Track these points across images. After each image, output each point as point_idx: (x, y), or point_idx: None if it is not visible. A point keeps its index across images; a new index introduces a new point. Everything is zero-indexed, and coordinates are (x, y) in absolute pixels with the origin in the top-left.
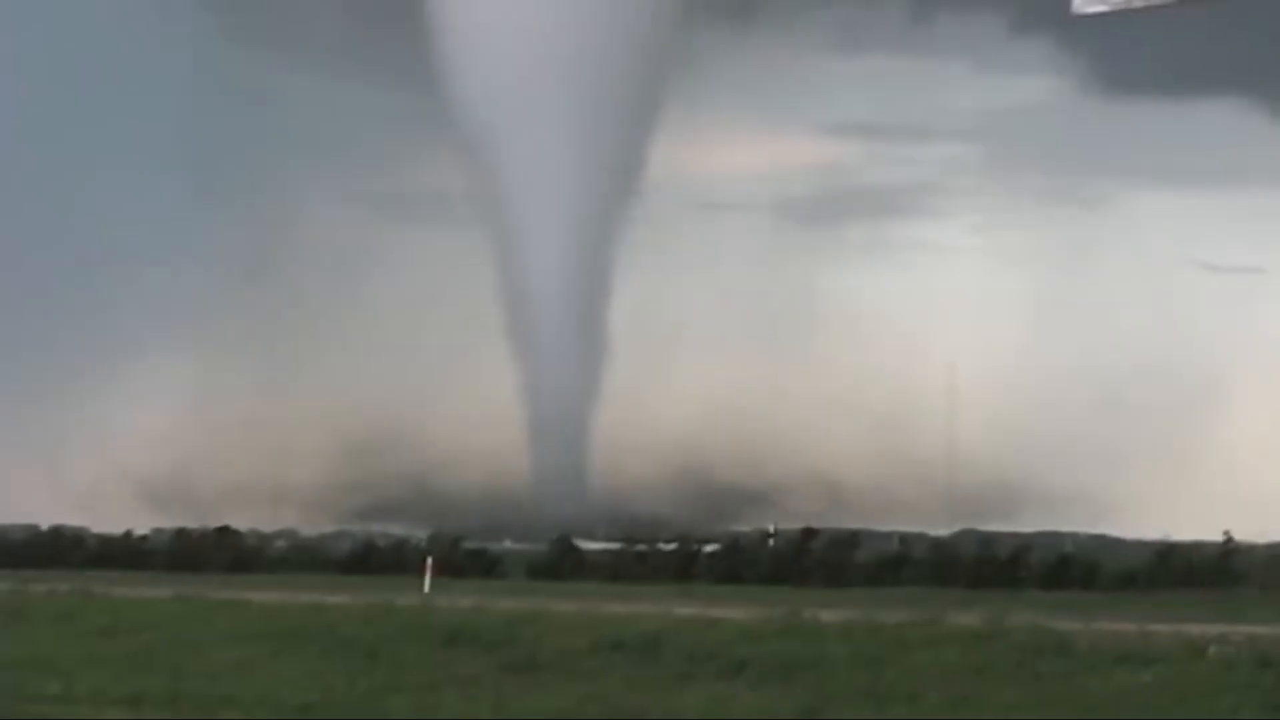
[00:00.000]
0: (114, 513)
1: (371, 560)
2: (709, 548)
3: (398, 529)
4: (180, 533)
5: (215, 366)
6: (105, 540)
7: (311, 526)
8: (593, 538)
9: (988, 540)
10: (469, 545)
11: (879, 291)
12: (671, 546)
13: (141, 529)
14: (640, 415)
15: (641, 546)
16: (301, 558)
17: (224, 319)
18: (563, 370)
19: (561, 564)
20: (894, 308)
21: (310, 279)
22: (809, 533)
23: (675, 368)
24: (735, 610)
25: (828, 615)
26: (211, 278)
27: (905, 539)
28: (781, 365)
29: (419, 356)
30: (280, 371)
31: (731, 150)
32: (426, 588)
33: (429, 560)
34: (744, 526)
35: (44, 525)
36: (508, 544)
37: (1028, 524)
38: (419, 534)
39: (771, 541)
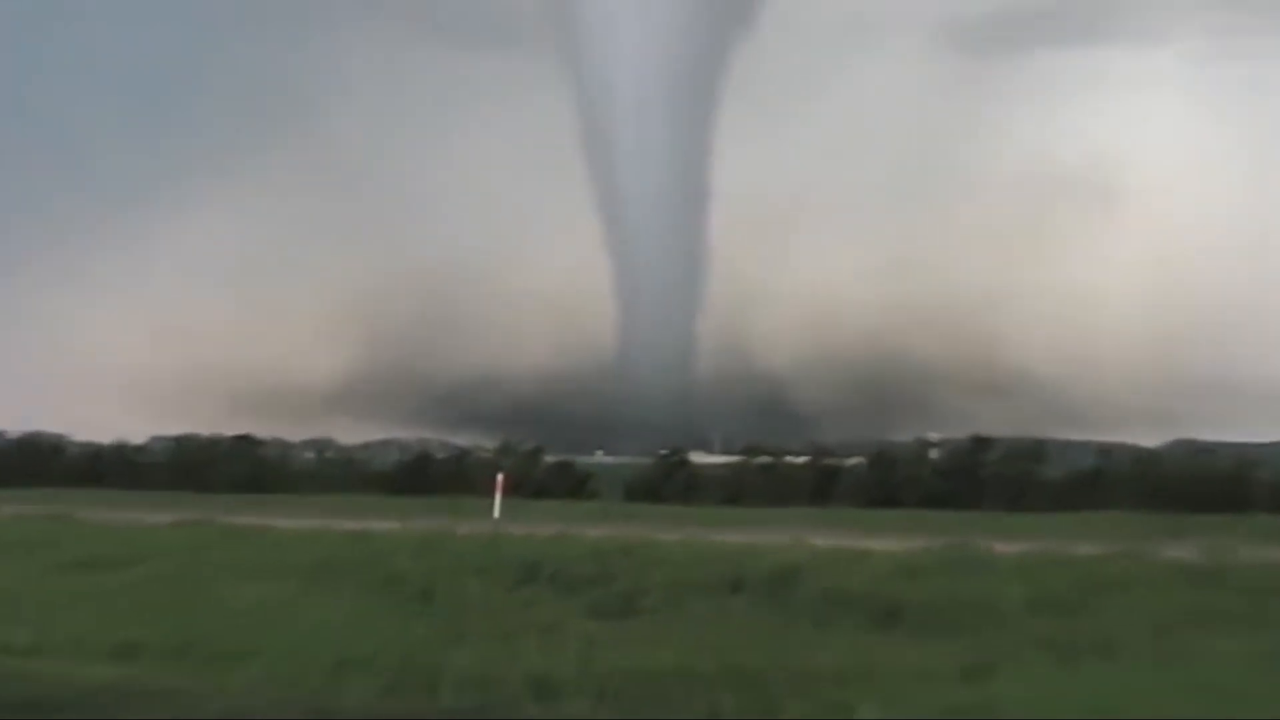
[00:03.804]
0: (102, 416)
1: (427, 476)
2: (853, 461)
3: (460, 437)
4: (185, 441)
5: (231, 232)
6: (91, 450)
7: (351, 434)
8: (707, 449)
9: (1207, 452)
10: (551, 457)
11: (1068, 138)
12: (806, 459)
13: (137, 437)
14: (765, 293)
15: (768, 459)
16: (338, 472)
17: (247, 171)
18: (660, 233)
19: (668, 482)
20: (1087, 159)
21: (354, 121)
22: (981, 442)
23: (809, 234)
24: (887, 540)
25: (1004, 547)
26: (237, 123)
27: (1104, 450)
28: (942, 233)
29: (482, 217)
30: (312, 239)
31: None
32: (497, 511)
33: (500, 476)
34: (899, 435)
35: (13, 432)
36: (600, 456)
37: (1257, 433)
38: (486, 444)
39: (934, 453)
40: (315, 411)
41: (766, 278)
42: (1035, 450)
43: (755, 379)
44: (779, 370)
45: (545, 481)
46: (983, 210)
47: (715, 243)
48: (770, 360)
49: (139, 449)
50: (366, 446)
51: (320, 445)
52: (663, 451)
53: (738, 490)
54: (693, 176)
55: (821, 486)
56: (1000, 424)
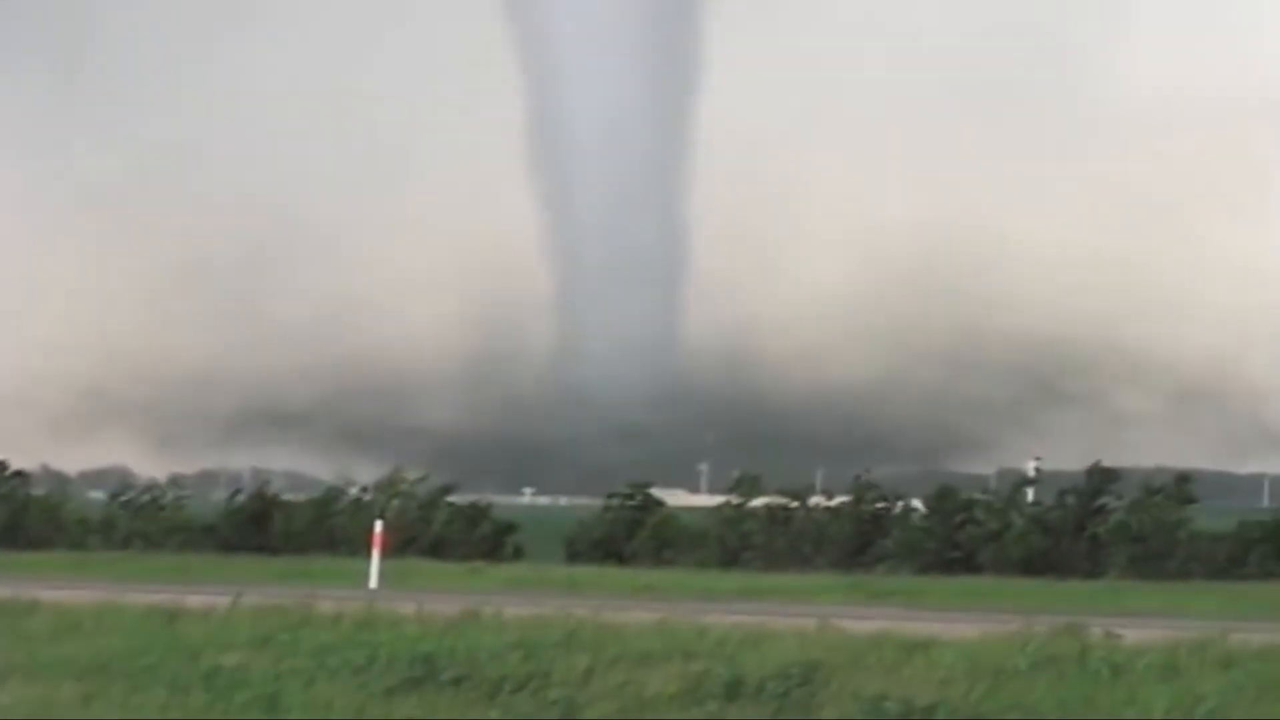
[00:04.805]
0: None
1: (267, 524)
2: (909, 504)
3: (319, 467)
4: None
5: None
6: None
7: (153, 461)
8: (690, 485)
9: None
10: (455, 498)
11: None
12: (839, 502)
13: None
14: (792, 250)
15: (783, 501)
16: (137, 519)
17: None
18: (618, 161)
19: (630, 534)
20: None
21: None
22: (1102, 475)
23: (837, 173)
24: (959, 624)
25: (1136, 633)
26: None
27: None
28: (1030, 171)
29: (346, 128)
30: (80, 149)
31: None
32: (374, 579)
33: (379, 526)
34: (975, 465)
35: None
36: (529, 496)
37: None
38: (358, 477)
39: (1030, 492)
40: (97, 426)
41: (789, 228)
42: (1180, 486)
43: (768, 383)
44: (804, 372)
45: (447, 534)
46: (1085, 142)
47: (714, 172)
48: (792, 357)
49: None
50: (179, 481)
51: (110, 479)
52: (622, 489)
53: (736, 547)
54: (669, 77)
55: (861, 542)
56: (1124, 445)
